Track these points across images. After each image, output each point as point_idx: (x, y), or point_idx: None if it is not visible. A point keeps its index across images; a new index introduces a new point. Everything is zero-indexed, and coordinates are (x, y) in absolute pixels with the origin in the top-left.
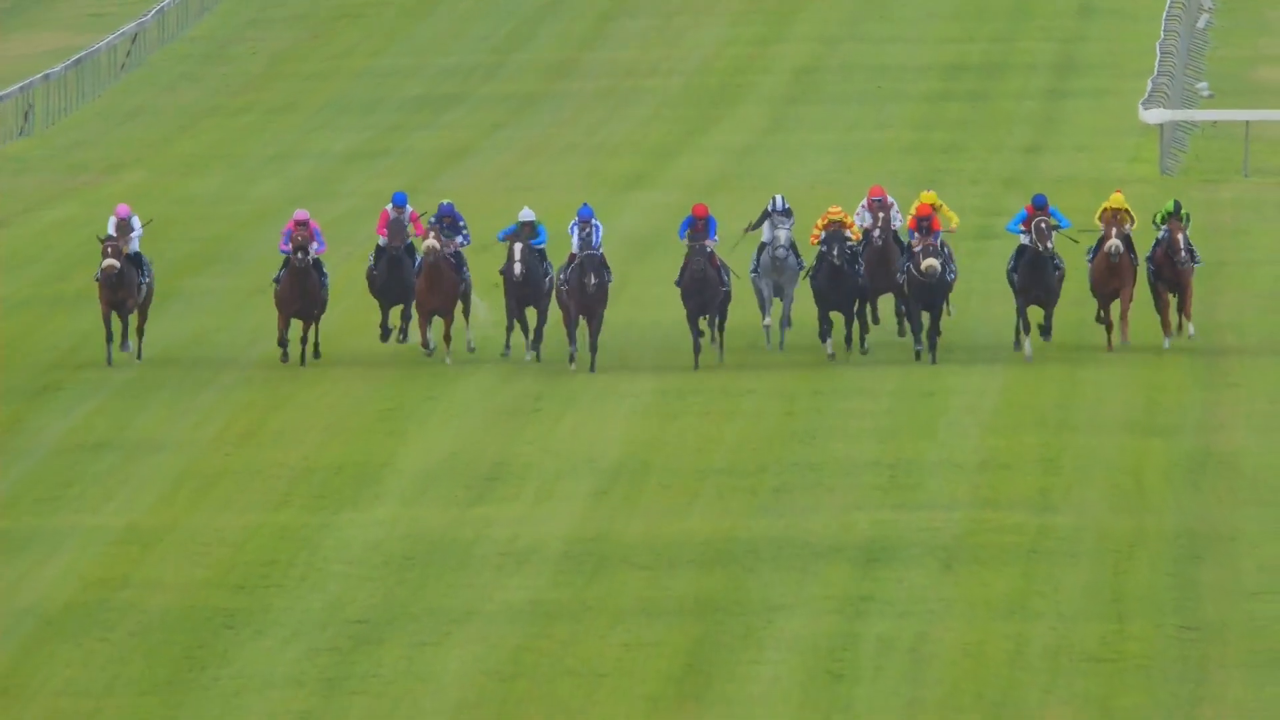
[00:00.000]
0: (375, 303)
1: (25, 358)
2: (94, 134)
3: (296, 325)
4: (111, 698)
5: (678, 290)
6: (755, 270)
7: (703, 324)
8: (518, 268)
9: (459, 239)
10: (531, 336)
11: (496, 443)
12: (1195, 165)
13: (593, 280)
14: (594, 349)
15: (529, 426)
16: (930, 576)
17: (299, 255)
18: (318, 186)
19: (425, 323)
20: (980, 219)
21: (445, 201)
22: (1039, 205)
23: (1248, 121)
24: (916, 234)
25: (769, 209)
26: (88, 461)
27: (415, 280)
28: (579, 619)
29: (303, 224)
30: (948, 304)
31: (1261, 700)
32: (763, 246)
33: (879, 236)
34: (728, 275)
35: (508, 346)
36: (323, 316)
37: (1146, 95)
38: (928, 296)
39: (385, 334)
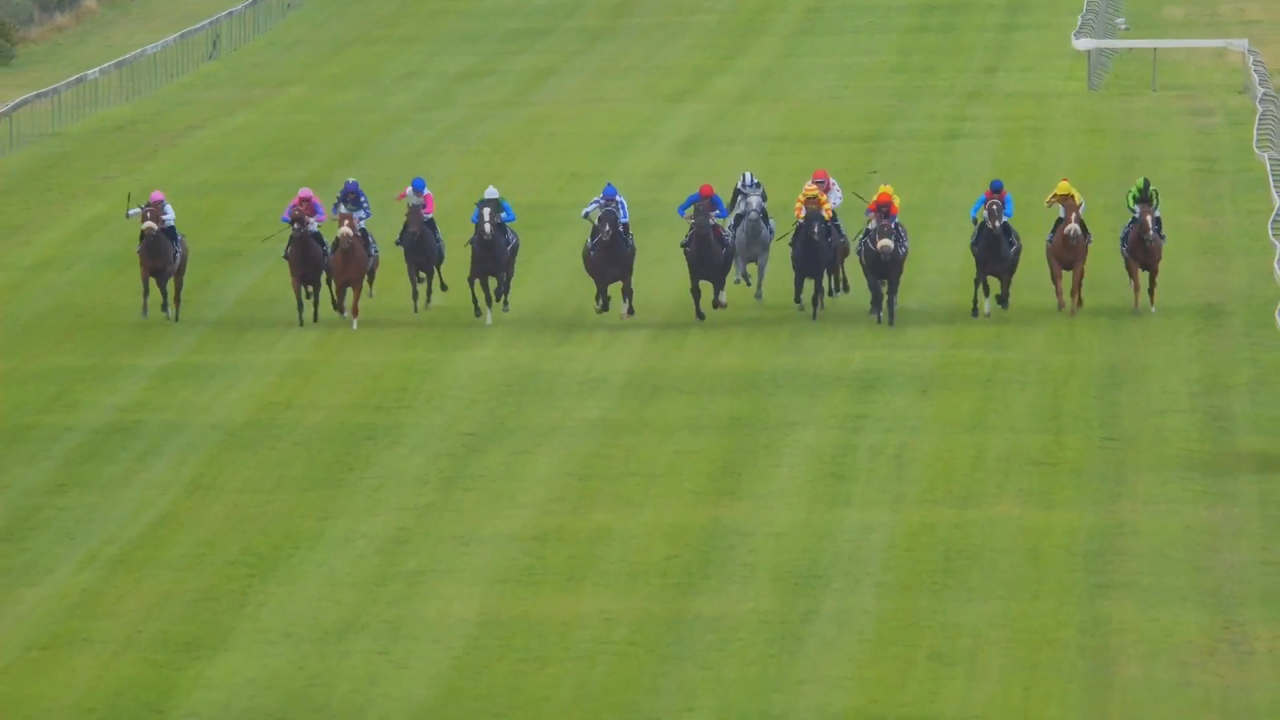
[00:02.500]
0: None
1: (215, 230)
2: (266, 58)
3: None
4: (279, 493)
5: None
6: (733, 239)
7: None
8: (488, 228)
9: (361, 213)
10: (493, 296)
11: (573, 299)
12: (1115, 82)
13: (608, 229)
14: (628, 295)
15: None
16: (910, 400)
17: (296, 227)
18: (437, 99)
19: (341, 292)
20: (948, 124)
21: (350, 180)
22: (995, 189)
23: (1155, 48)
24: (875, 215)
25: (739, 185)
26: (261, 310)
27: (327, 256)
28: (639, 433)
29: (306, 200)
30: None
31: (1166, 493)
32: (739, 218)
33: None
34: (729, 240)
35: (477, 310)
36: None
37: (1077, 27)
38: (882, 270)
39: (416, 295)
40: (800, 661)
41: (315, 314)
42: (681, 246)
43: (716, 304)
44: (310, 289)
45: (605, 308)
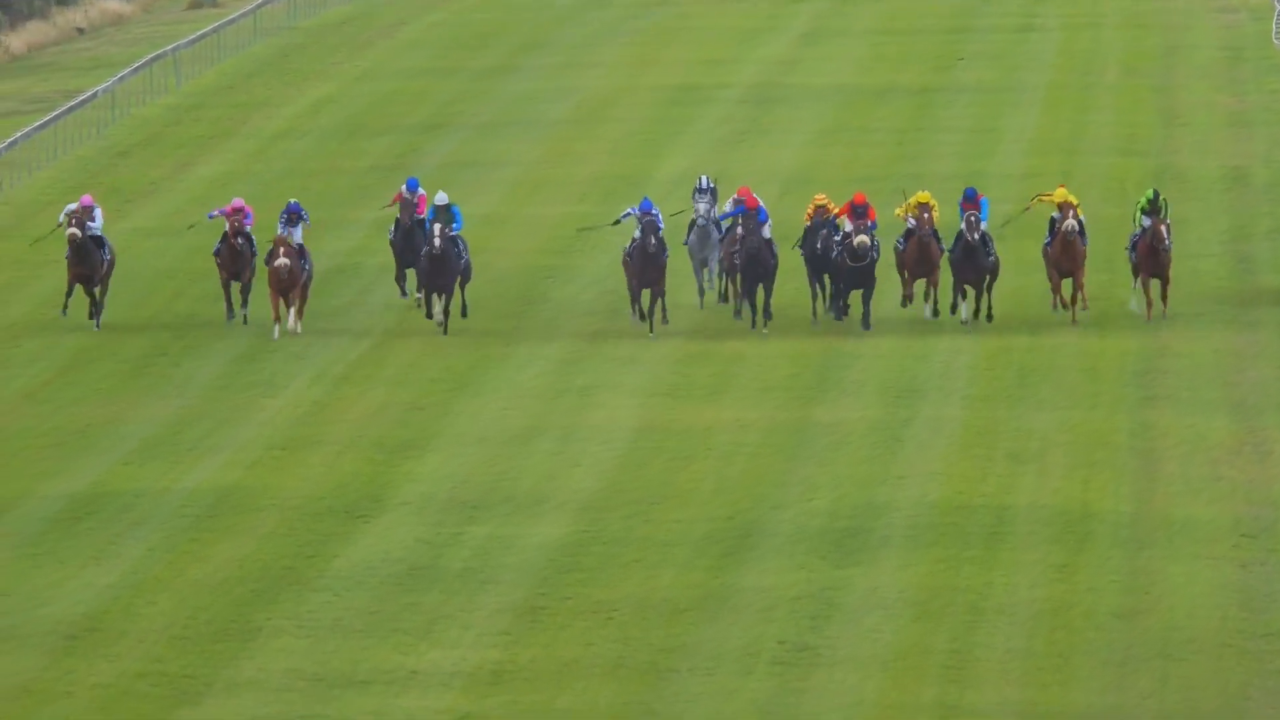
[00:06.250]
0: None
1: (420, 108)
2: None
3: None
4: (474, 321)
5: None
6: (687, 242)
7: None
8: (438, 241)
9: (302, 224)
10: (440, 308)
11: (716, 163)
12: None
13: (653, 240)
14: (651, 313)
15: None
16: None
17: (238, 240)
18: (575, 12)
19: (276, 300)
20: (1020, 19)
21: (292, 200)
22: (969, 197)
23: None
24: (850, 218)
25: (697, 187)
26: (461, 173)
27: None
28: None
29: (239, 210)
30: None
31: (1200, 322)
32: (692, 222)
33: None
34: (776, 249)
35: (429, 313)
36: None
37: None
38: (856, 279)
39: (403, 290)
40: (900, 460)
41: (233, 310)
42: (731, 256)
43: (753, 312)
44: (240, 286)
45: (642, 318)
